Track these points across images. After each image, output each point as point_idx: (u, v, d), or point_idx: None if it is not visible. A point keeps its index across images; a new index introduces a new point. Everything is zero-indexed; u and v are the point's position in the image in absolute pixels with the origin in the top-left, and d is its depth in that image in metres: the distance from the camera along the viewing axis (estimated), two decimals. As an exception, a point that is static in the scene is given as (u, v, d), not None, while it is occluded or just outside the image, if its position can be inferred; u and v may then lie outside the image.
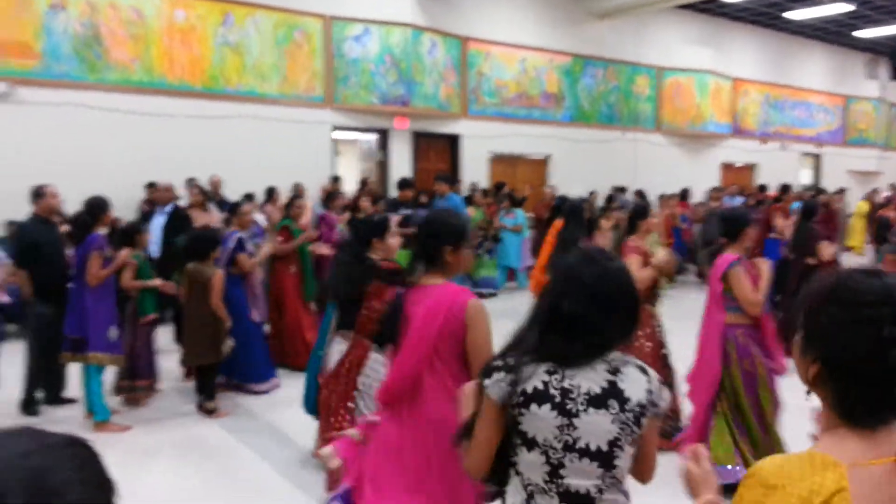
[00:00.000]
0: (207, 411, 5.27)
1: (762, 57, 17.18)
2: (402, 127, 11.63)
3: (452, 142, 12.55)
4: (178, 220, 7.13)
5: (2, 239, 7.46)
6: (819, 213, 7.75)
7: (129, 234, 5.59)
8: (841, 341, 1.12)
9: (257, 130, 10.06)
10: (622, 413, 1.63)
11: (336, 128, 11.01)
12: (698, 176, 15.39)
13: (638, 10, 13.64)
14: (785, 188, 11.73)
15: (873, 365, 1.09)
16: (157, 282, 5.52)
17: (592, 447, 1.63)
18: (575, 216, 5.80)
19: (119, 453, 4.48)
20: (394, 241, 3.54)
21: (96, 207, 5.30)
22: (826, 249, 6.96)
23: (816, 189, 13.87)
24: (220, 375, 5.61)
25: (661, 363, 4.43)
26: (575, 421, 1.64)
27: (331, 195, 8.70)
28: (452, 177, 12.36)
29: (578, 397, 1.64)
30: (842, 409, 1.14)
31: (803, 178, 18.90)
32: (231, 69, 9.87)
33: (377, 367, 3.42)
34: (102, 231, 5.24)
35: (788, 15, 15.60)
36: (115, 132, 8.97)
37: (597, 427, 1.63)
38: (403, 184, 9.50)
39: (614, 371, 1.67)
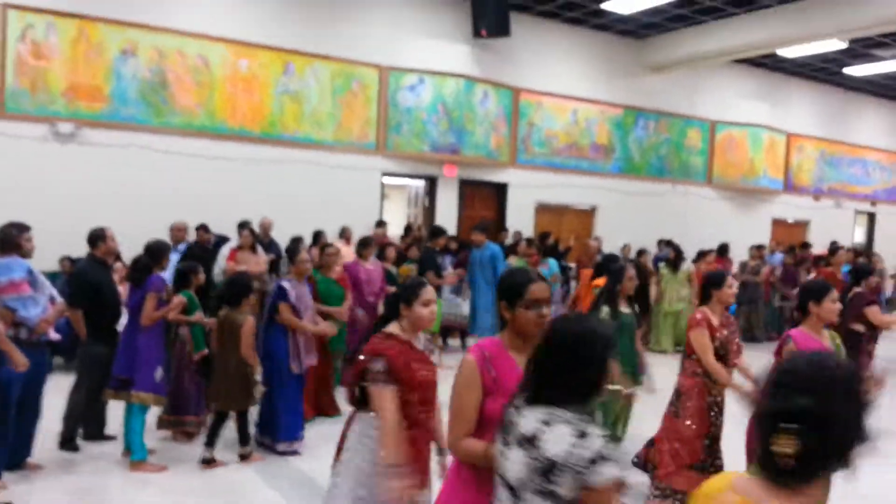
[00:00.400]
0: (242, 456, 5.34)
1: (818, 112, 16.97)
2: (451, 174, 11.82)
3: (499, 190, 12.67)
4: (192, 259, 7.26)
5: (55, 274, 7.76)
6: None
7: (185, 276, 5.84)
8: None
9: (310, 175, 10.36)
10: (532, 460, 1.88)
11: (386, 174, 11.25)
12: (749, 231, 15.19)
13: (692, 63, 13.65)
14: (833, 248, 11.52)
15: None
16: (198, 316, 5.69)
17: (510, 479, 1.95)
18: (618, 275, 5.69)
19: (153, 493, 4.66)
20: (424, 311, 3.03)
21: (157, 251, 5.58)
22: (878, 316, 6.75)
23: (858, 250, 13.54)
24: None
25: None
26: (506, 451, 1.98)
27: (363, 242, 7.69)
28: (498, 225, 12.49)
29: (514, 433, 1.95)
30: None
31: (857, 236, 18.48)
32: (289, 116, 10.21)
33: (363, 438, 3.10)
34: (161, 272, 5.48)
35: (847, 71, 15.44)
36: (174, 174, 9.35)
37: (513, 464, 1.93)
38: (437, 231, 9.50)
39: (547, 422, 1.89)
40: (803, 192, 16.99)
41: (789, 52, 13.56)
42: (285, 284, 5.68)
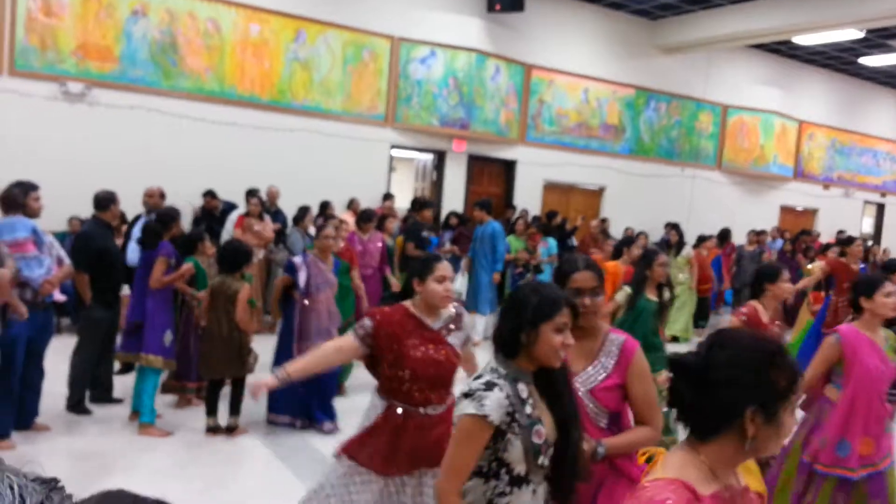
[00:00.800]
0: (228, 428, 5.25)
1: (831, 101, 16.82)
2: (459, 149, 11.75)
3: (508, 167, 12.61)
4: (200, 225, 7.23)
5: (63, 234, 7.76)
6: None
7: (192, 242, 5.84)
8: None
9: (318, 145, 10.30)
10: None
11: (394, 146, 11.19)
12: (757, 217, 15.11)
13: (706, 46, 13.52)
14: (846, 239, 11.44)
15: None
16: (201, 295, 5.57)
17: None
18: (648, 260, 5.24)
19: (157, 457, 4.69)
20: (438, 287, 2.87)
21: (167, 217, 5.65)
22: None
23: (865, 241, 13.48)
24: (287, 416, 5.50)
25: None
26: None
27: (362, 215, 7.69)
28: (505, 202, 12.45)
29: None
30: None
31: (865, 226, 18.41)
32: (299, 84, 10.13)
33: None
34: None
35: (863, 61, 15.27)
36: (182, 138, 9.30)
37: None
38: (422, 204, 9.24)
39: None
40: (813, 180, 16.89)
41: (805, 39, 13.41)
42: (297, 261, 5.57)
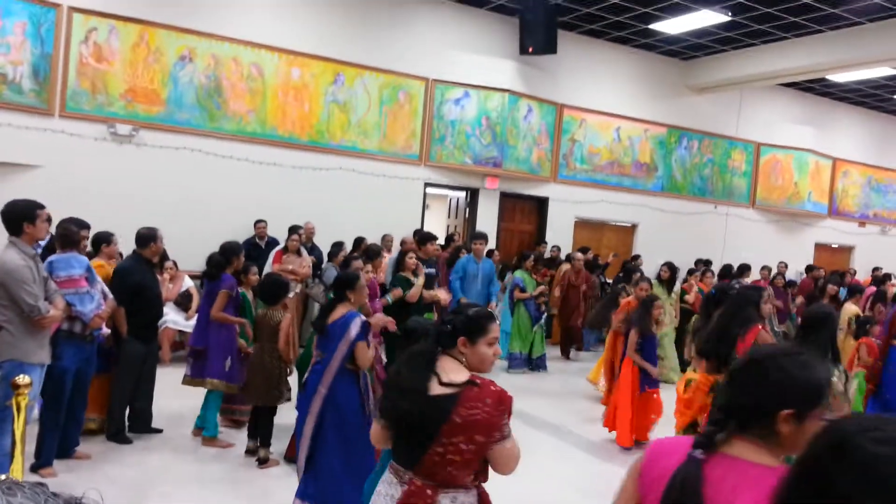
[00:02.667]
0: (260, 460, 5.34)
1: (866, 138, 16.73)
2: (492, 187, 11.94)
3: (540, 204, 12.75)
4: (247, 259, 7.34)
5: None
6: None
7: (237, 275, 6.11)
8: None
9: (354, 183, 10.58)
10: None
11: (429, 184, 11.42)
12: (792, 255, 15.02)
13: (738, 85, 13.61)
14: (885, 277, 11.39)
15: None
16: (242, 320, 5.94)
17: None
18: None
19: (193, 488, 4.85)
20: (489, 351, 2.53)
21: (230, 251, 5.99)
22: None
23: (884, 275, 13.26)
24: None
25: None
26: None
27: (368, 252, 7.36)
28: (538, 239, 12.57)
29: None
30: None
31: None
32: (336, 125, 10.45)
33: None
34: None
35: (897, 98, 15.23)
36: (226, 178, 9.64)
37: None
38: (427, 237, 8.19)
39: None
40: (848, 218, 16.75)
41: (838, 77, 13.44)
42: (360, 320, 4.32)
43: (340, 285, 4.48)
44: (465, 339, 2.49)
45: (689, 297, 9.75)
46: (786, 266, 12.86)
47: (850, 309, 7.93)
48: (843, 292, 10.31)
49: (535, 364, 9.52)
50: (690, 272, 10.41)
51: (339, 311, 4.33)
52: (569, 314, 10.58)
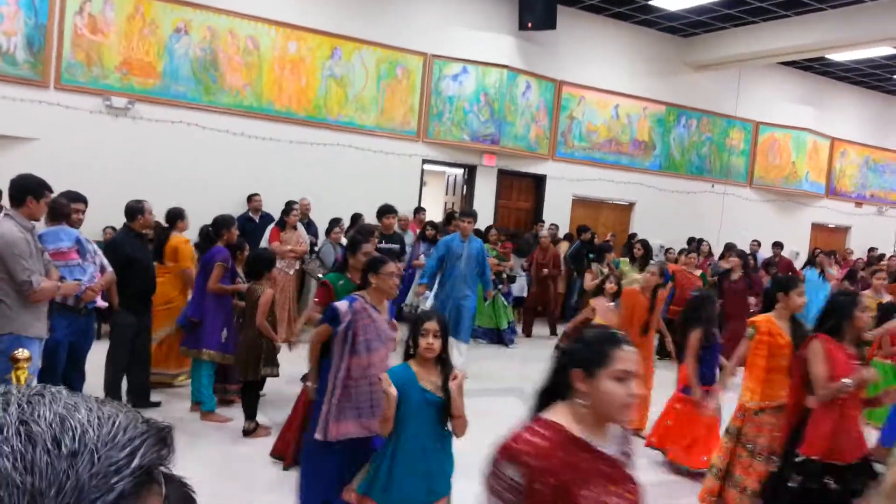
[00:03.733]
0: (244, 431, 5.43)
1: (864, 118, 16.69)
2: (489, 164, 11.90)
3: (537, 182, 12.72)
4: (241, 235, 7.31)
5: (100, 243, 7.97)
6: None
7: (232, 250, 6.09)
8: None
9: (351, 159, 10.52)
10: None
11: (426, 161, 11.37)
12: (789, 235, 15.05)
13: (738, 63, 13.54)
14: (879, 257, 11.45)
15: None
16: (240, 287, 5.96)
17: None
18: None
19: (190, 461, 4.86)
20: (616, 388, 1.85)
21: (221, 225, 5.99)
22: None
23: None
24: None
25: None
26: None
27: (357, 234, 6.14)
28: (535, 217, 12.55)
29: None
30: None
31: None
32: (334, 100, 10.37)
33: None
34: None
35: (897, 78, 15.17)
36: (221, 152, 9.57)
37: None
38: (386, 210, 8.27)
39: None
40: (845, 198, 16.76)
41: (838, 56, 13.37)
42: (341, 307, 3.77)
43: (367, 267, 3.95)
44: (582, 373, 1.85)
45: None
46: (758, 245, 12.83)
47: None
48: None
49: (500, 337, 9.56)
50: (680, 252, 10.12)
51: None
52: (538, 295, 10.26)
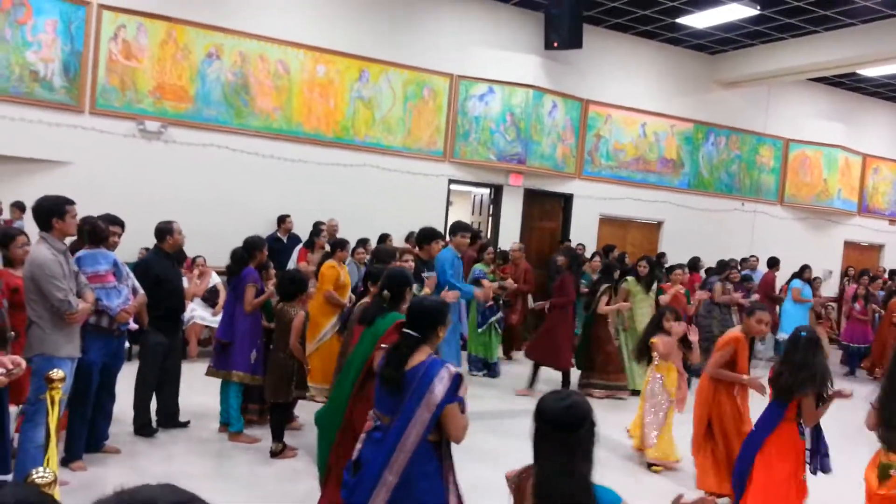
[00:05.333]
0: (272, 452, 5.45)
1: (897, 134, 16.45)
2: (516, 183, 11.91)
3: (565, 201, 12.70)
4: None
5: (135, 265, 8.11)
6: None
7: (260, 269, 6.19)
8: None
9: (379, 179, 10.61)
10: None
11: (453, 181, 11.42)
12: (821, 253, 14.84)
13: (766, 80, 13.44)
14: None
15: None
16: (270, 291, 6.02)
17: None
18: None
19: (220, 482, 4.90)
20: None
21: (252, 246, 6.10)
22: None
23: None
24: None
25: None
26: None
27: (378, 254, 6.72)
28: (562, 236, 12.51)
29: None
30: None
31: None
32: (361, 121, 10.49)
33: None
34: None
35: (930, 93, 14.94)
36: (252, 174, 9.72)
37: None
38: (429, 235, 6.60)
39: None
40: (878, 215, 16.48)
41: (869, 71, 13.22)
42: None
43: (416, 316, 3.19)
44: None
45: (665, 298, 8.41)
46: (757, 260, 12.53)
47: None
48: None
49: (491, 369, 8.95)
50: (670, 269, 9.45)
51: (419, 356, 3.03)
52: (510, 313, 9.64)
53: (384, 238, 9.58)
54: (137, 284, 5.38)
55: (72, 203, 4.57)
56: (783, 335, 10.62)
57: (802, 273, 11.41)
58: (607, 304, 8.30)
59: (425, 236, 6.27)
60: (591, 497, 2.06)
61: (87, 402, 4.97)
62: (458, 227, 6.66)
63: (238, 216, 9.37)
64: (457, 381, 2.92)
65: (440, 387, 2.88)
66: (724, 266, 10.50)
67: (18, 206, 8.11)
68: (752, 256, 12.78)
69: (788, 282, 11.65)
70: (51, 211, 4.44)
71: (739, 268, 11.13)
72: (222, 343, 5.86)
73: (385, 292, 3.86)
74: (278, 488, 4.94)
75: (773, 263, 11.98)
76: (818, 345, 4.12)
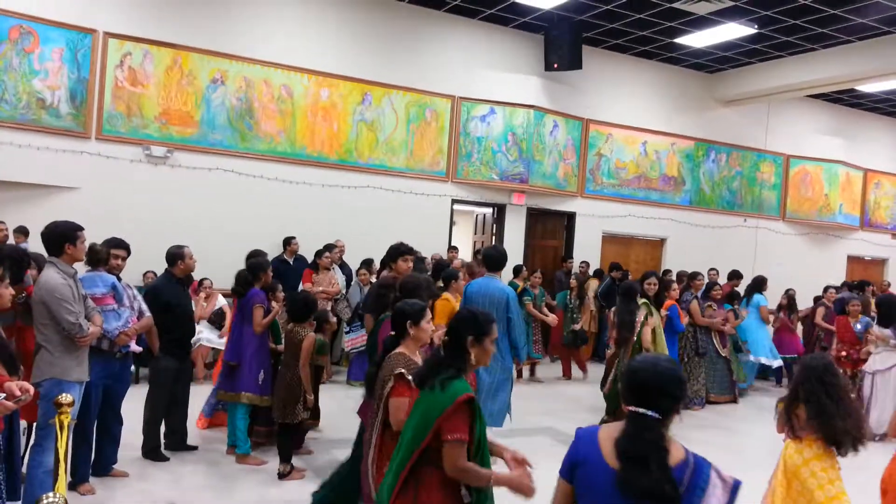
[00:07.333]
0: (279, 474, 5.45)
1: (898, 148, 16.51)
2: (518, 202, 11.98)
3: (567, 219, 12.76)
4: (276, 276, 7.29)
5: (140, 289, 8.15)
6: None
7: (266, 290, 6.20)
8: None
9: (383, 201, 10.70)
10: None
11: (456, 201, 11.49)
12: (824, 268, 14.85)
13: (765, 98, 13.54)
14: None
15: None
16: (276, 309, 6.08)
17: None
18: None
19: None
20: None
21: (257, 267, 6.10)
22: None
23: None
24: None
25: None
26: None
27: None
28: (565, 254, 12.55)
29: None
30: None
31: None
32: (365, 144, 10.60)
33: None
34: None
35: (929, 108, 15.02)
36: (257, 197, 9.83)
37: None
38: (398, 252, 5.94)
39: None
40: (881, 229, 16.51)
41: (867, 87, 13.31)
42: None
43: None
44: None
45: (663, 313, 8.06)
46: (717, 273, 11.92)
47: None
48: None
49: None
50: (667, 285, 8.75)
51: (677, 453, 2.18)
52: None
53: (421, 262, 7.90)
54: (145, 307, 5.40)
55: (81, 229, 4.62)
56: (759, 359, 10.19)
57: (761, 287, 10.64)
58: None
59: (394, 253, 5.85)
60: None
61: (87, 423, 4.95)
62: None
63: (244, 239, 9.41)
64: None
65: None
66: (691, 278, 9.66)
67: (22, 231, 8.18)
68: (711, 270, 11.62)
69: (747, 294, 10.70)
70: (64, 236, 4.49)
71: (702, 279, 9.82)
72: (230, 365, 5.87)
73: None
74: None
75: (735, 276, 11.49)
76: None
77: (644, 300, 7.59)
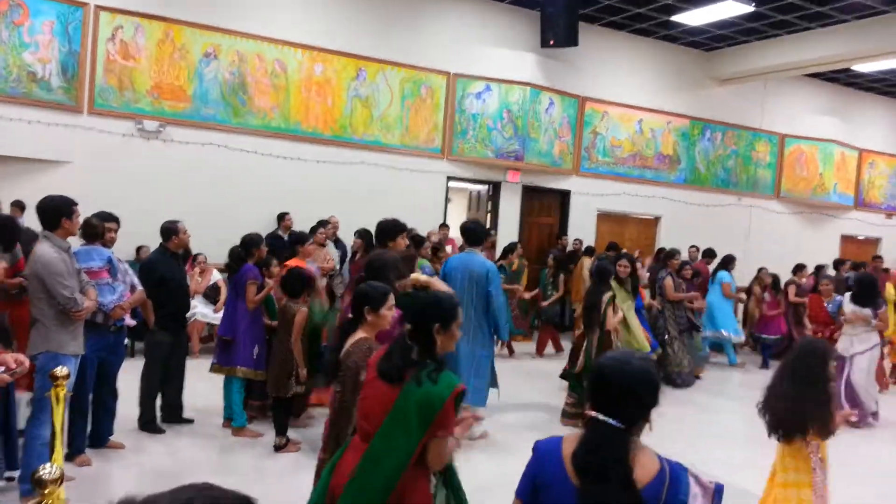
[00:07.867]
0: (275, 447, 5.52)
1: (892, 128, 16.49)
2: (514, 180, 11.96)
3: (562, 197, 12.75)
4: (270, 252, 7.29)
5: (132, 263, 8.14)
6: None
7: (259, 266, 6.21)
8: None
9: (377, 177, 10.66)
10: None
11: (451, 178, 11.46)
12: (818, 247, 14.91)
13: (762, 76, 13.49)
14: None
15: None
16: (271, 284, 6.09)
17: None
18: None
19: (225, 475, 4.91)
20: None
21: (251, 243, 6.11)
22: None
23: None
24: None
25: None
26: None
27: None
28: (560, 232, 12.56)
29: None
30: None
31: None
32: (359, 120, 10.53)
33: None
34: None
35: (925, 87, 15.01)
36: (251, 172, 9.76)
37: None
38: (390, 229, 5.93)
39: None
40: (875, 209, 16.56)
41: (863, 67, 13.28)
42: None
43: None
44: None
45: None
46: (697, 250, 11.86)
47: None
48: None
49: None
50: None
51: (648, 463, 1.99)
52: None
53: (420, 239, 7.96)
54: (136, 281, 5.41)
55: (77, 203, 4.60)
56: (721, 331, 10.30)
57: (728, 265, 10.70)
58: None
59: (383, 231, 5.68)
60: None
61: (82, 395, 4.98)
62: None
63: (237, 214, 9.41)
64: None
65: None
66: (668, 256, 9.64)
67: (18, 206, 8.13)
68: (691, 247, 12.03)
69: (714, 273, 10.82)
70: (60, 210, 4.47)
71: (679, 257, 9.81)
72: (225, 340, 5.90)
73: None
74: (282, 481, 4.98)
75: (709, 254, 11.63)
76: None
77: (616, 283, 7.18)
